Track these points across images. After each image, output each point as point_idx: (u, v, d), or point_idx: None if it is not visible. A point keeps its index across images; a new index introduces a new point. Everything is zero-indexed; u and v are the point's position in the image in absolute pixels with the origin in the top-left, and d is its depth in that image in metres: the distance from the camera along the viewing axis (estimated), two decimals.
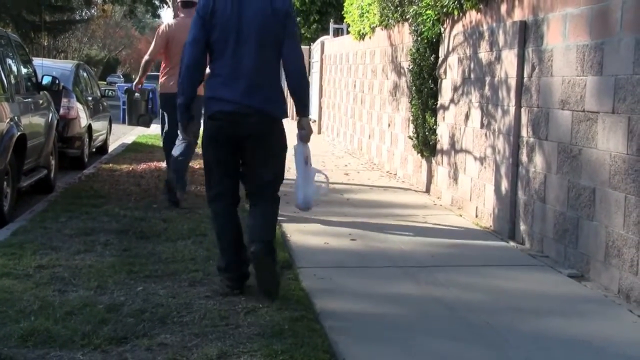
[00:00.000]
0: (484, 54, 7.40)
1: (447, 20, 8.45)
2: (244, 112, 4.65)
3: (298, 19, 24.76)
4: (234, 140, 4.72)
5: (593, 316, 4.69)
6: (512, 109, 6.68)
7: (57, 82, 9.54)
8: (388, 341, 4.15)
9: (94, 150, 12.94)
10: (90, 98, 12.70)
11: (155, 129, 16.00)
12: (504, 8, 6.96)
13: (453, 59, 8.29)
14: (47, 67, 10.99)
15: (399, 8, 10.10)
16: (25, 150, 7.78)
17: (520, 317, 4.60)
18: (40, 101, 9.02)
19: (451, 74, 8.35)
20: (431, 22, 8.57)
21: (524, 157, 6.54)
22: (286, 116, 4.85)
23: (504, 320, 4.53)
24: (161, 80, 8.11)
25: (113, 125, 14.92)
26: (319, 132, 18.09)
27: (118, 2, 32.67)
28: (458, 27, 8.15)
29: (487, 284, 5.31)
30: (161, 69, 8.22)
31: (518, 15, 6.67)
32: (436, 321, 4.52)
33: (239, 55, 4.66)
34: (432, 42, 8.75)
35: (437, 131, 8.79)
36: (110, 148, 14.45)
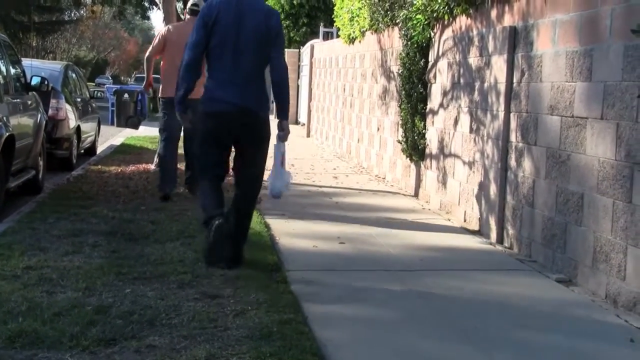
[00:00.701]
0: (473, 59, 7.43)
1: (437, 25, 8.47)
2: (238, 111, 5.52)
3: (287, 22, 24.77)
4: (227, 136, 5.60)
5: (580, 321, 4.71)
6: (502, 114, 6.70)
7: (46, 82, 9.51)
8: (376, 344, 4.15)
9: (82, 151, 12.90)
10: (79, 99, 12.67)
11: (143, 130, 16.08)
12: (494, 13, 6.99)
13: (443, 64, 8.32)
14: (36, 67, 10.97)
15: (389, 12, 10.13)
16: (13, 151, 7.74)
17: (507, 321, 4.62)
18: (29, 102, 8.99)
19: (441, 79, 8.38)
20: (421, 26, 8.59)
21: (512, 162, 6.57)
22: (269, 113, 5.71)
23: (491, 324, 4.55)
24: (162, 84, 8.47)
25: (102, 127, 14.88)
26: (308, 136, 18.09)
27: (107, 3, 32.52)
28: (448, 32, 8.18)
29: (475, 288, 5.33)
30: (161, 71, 8.57)
31: (508, 20, 6.70)
32: (424, 324, 4.53)
33: (236, 62, 5.50)
34: (422, 47, 8.77)
35: (426, 135, 8.82)
36: (99, 149, 14.41)
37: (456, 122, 7.87)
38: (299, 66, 22.52)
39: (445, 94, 8.23)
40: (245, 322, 4.32)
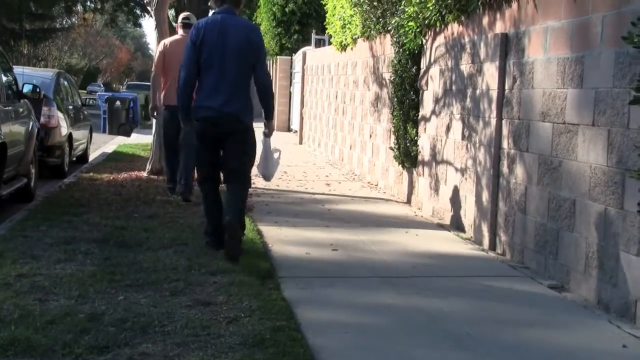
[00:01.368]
0: (465, 66, 7.45)
1: (429, 32, 8.50)
2: (223, 117, 6.11)
3: (279, 29, 24.81)
4: (216, 138, 6.21)
5: (573, 327, 4.72)
6: (493, 121, 6.72)
7: (37, 90, 9.50)
8: (369, 351, 4.15)
9: (74, 159, 12.87)
10: (70, 107, 12.65)
11: (135, 138, 16.07)
12: (485, 20, 7.01)
13: (435, 71, 8.34)
14: (28, 75, 10.95)
15: (381, 19, 10.15)
16: (5, 159, 7.73)
17: (500, 328, 4.63)
18: (21, 109, 8.97)
19: (433, 86, 8.40)
20: (413, 33, 8.61)
21: (504, 169, 6.59)
22: (252, 121, 6.27)
23: (484, 330, 4.56)
24: (163, 93, 8.98)
25: (93, 134, 14.86)
26: (300, 143, 18.10)
27: (99, 10, 32.53)
28: (440, 39, 8.20)
29: (468, 295, 5.33)
30: (162, 84, 9.03)
31: (499, 28, 6.73)
32: (417, 331, 4.53)
33: (222, 74, 6.08)
34: (414, 54, 8.79)
35: (419, 142, 8.83)
36: (91, 157, 14.39)
37: (448, 129, 7.88)
38: (291, 73, 22.54)
39: (437, 100, 8.25)
40: (239, 329, 4.32)
